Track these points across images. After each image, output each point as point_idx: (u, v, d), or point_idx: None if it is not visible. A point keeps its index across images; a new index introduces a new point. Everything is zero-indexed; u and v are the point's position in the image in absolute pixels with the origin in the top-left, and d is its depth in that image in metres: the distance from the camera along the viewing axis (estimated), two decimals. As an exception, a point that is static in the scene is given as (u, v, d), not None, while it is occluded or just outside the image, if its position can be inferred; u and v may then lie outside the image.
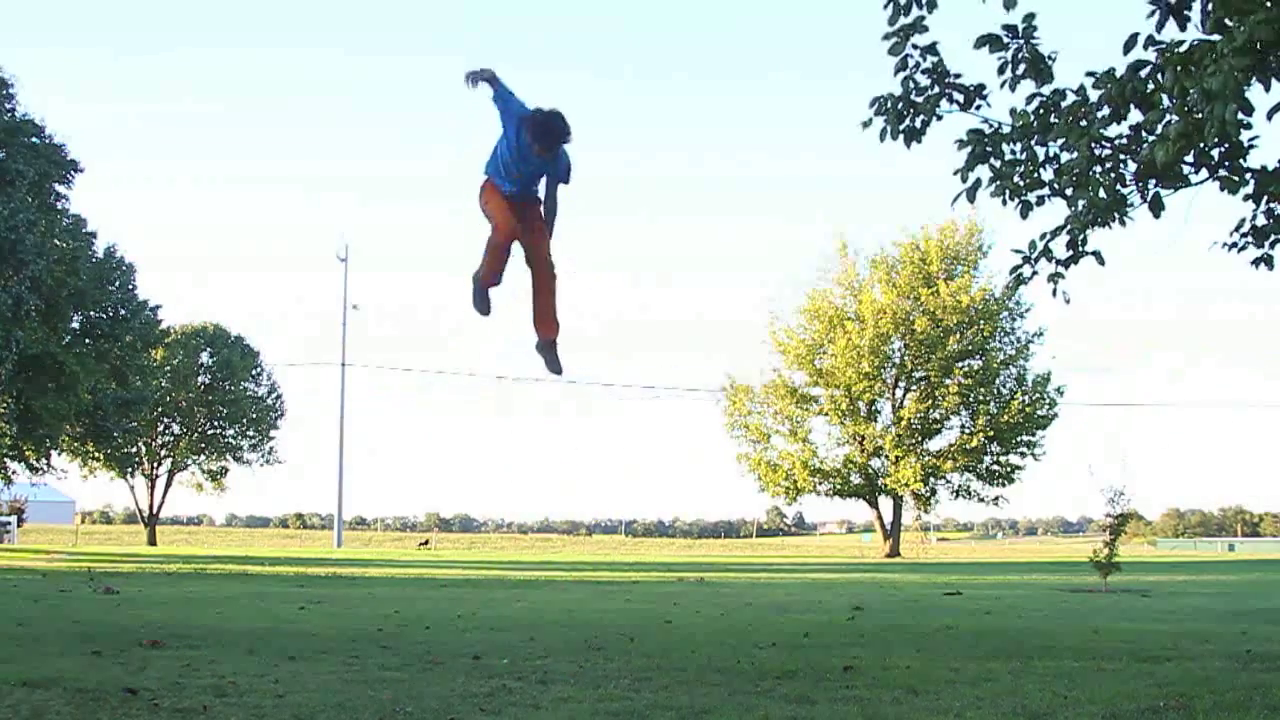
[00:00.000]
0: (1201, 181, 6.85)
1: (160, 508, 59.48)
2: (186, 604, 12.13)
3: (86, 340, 35.60)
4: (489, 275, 5.77)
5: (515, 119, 5.48)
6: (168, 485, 58.42)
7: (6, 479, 37.26)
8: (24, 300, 29.29)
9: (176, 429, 56.74)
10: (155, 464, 57.18)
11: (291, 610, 11.29)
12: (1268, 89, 6.01)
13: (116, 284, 36.72)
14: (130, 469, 54.13)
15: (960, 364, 45.07)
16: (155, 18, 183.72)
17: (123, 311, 36.65)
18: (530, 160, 5.51)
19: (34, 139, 31.74)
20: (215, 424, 57.23)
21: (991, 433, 44.38)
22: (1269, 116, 6.06)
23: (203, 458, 57.90)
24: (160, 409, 52.57)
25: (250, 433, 57.96)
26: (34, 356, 31.28)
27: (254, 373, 58.01)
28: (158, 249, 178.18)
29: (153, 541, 55.90)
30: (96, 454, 45.74)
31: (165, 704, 5.01)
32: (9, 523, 48.89)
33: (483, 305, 5.90)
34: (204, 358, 56.51)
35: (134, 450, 51.85)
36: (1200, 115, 5.65)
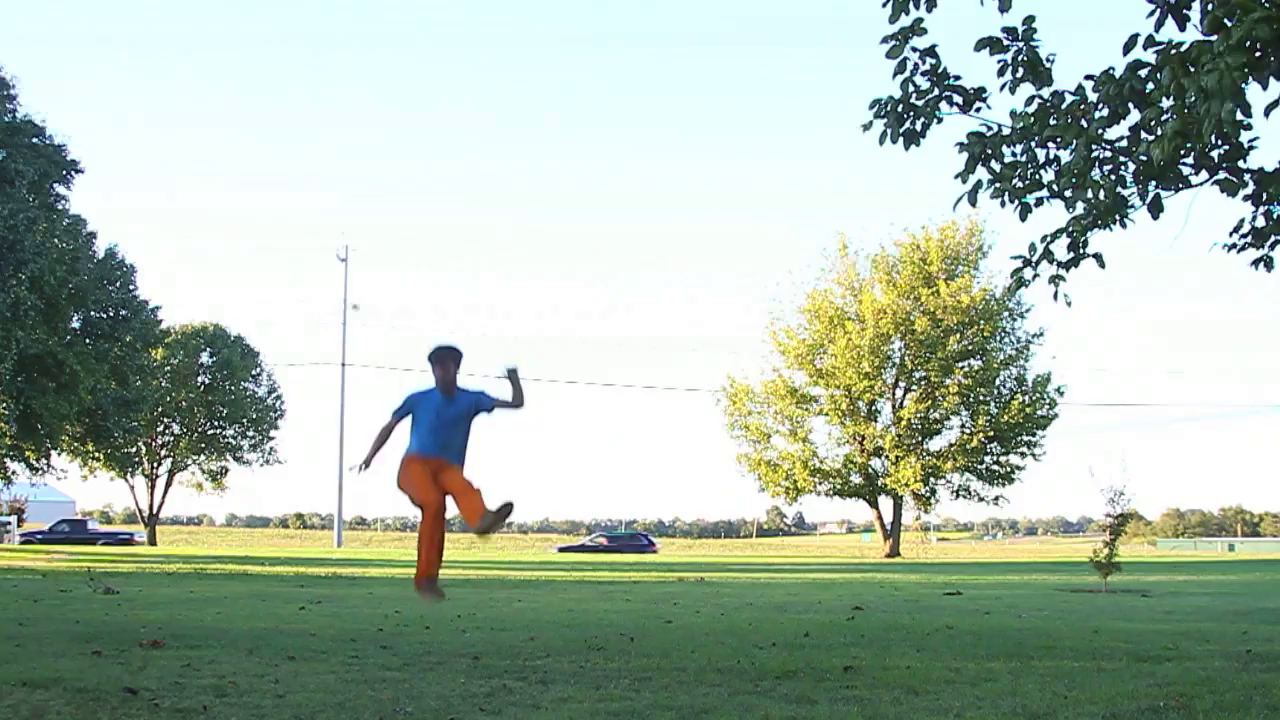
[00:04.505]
0: (1202, 183, 6.85)
1: (160, 508, 59.51)
2: (186, 604, 12.13)
3: (87, 340, 35.60)
4: (431, 563, 6.76)
5: (414, 400, 6.67)
6: (168, 485, 58.45)
7: (6, 479, 37.26)
8: (24, 300, 29.29)
9: (176, 429, 56.76)
10: (155, 464, 57.20)
11: (291, 610, 11.29)
12: (1265, 87, 6.01)
13: (117, 284, 36.74)
14: (130, 469, 54.14)
15: (960, 364, 45.08)
16: (155, 17, 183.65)
17: (123, 311, 36.66)
18: (446, 408, 6.58)
19: (34, 139, 31.76)
20: (215, 424, 57.24)
21: (991, 433, 44.39)
22: (1266, 113, 6.07)
23: (203, 458, 57.92)
24: (160, 409, 52.56)
25: (250, 433, 57.98)
26: (34, 356, 31.29)
27: (254, 373, 58.03)
28: (158, 249, 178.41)
29: (153, 541, 55.92)
30: (96, 454, 45.74)
31: (165, 704, 5.01)
32: (9, 522, 48.93)
33: (436, 591, 6.87)
34: (204, 358, 56.54)
35: (134, 450, 51.87)
36: (1198, 113, 5.65)
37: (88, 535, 52.48)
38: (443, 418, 6.59)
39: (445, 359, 6.61)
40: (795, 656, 6.94)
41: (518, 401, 6.72)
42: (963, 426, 45.16)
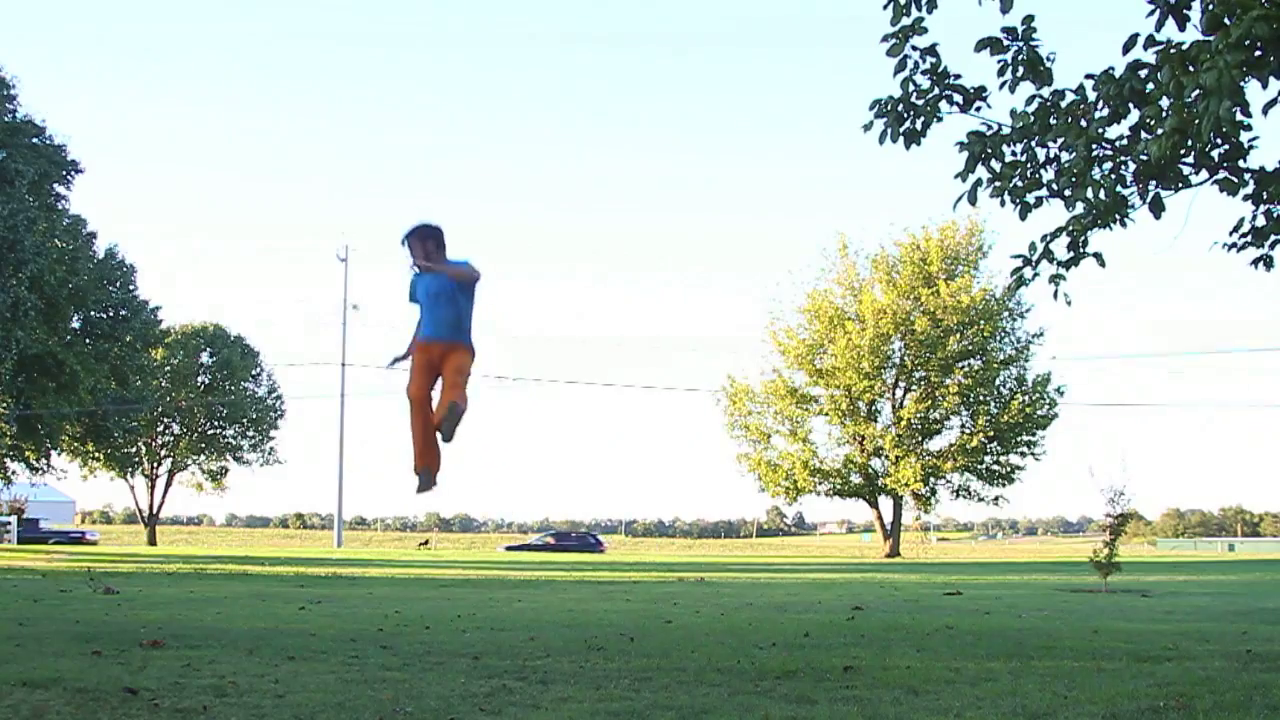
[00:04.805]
0: (1202, 183, 6.85)
1: (160, 508, 59.51)
2: (186, 604, 12.13)
3: (87, 340, 35.62)
4: (422, 454, 6.34)
5: (412, 284, 6.47)
6: (168, 485, 58.45)
7: (6, 479, 37.26)
8: (24, 300, 29.30)
9: (176, 429, 56.76)
10: (155, 464, 57.19)
11: (291, 610, 11.29)
12: (1264, 86, 6.01)
13: (117, 284, 36.76)
14: (130, 469, 54.14)
15: (960, 364, 45.08)
16: (155, 17, 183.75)
17: (123, 311, 36.67)
18: (434, 282, 6.34)
19: (34, 139, 31.77)
20: (215, 424, 57.24)
21: (991, 433, 44.36)
22: (1264, 111, 6.07)
23: (203, 458, 57.91)
24: (160, 409, 52.57)
25: (250, 433, 57.98)
26: (34, 356, 31.29)
27: (254, 373, 58.03)
28: (158, 249, 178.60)
29: (153, 541, 55.94)
30: (96, 454, 45.73)
31: (165, 704, 5.00)
32: (9, 522, 48.93)
33: (429, 483, 6.43)
34: (204, 358, 56.55)
35: (134, 450, 51.87)
36: (1196, 111, 5.64)
37: (39, 535, 52.55)
38: (431, 293, 6.37)
39: (416, 239, 6.30)
40: (795, 656, 6.94)
41: (458, 273, 6.29)
42: (963, 426, 45.15)
